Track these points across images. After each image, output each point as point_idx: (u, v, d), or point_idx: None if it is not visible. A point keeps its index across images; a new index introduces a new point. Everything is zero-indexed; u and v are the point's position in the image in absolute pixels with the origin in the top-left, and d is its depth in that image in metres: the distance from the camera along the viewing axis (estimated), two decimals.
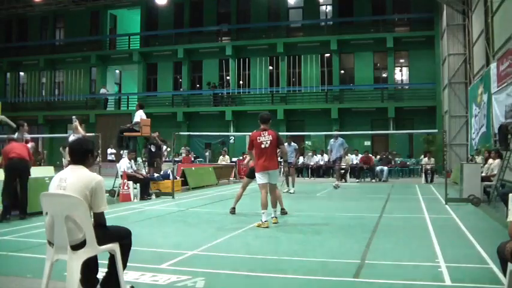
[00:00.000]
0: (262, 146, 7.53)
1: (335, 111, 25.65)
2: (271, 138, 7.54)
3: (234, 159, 22.12)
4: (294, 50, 27.24)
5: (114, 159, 22.53)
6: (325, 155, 21.83)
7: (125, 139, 13.12)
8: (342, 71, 27.43)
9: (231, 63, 28.03)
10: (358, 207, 10.51)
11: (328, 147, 16.40)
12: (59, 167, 15.71)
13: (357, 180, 19.35)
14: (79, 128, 10.84)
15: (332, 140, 15.79)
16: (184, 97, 29.29)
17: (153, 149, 14.51)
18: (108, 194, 11.31)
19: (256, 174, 7.66)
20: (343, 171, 18.81)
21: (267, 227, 7.29)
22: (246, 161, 9.62)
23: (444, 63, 22.87)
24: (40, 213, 7.63)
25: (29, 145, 9.92)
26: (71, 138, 9.18)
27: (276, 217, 7.78)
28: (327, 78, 26.59)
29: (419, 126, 23.23)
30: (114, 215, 8.57)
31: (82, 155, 3.69)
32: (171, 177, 13.15)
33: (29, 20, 32.32)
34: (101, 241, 3.52)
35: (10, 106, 29.85)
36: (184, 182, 15.07)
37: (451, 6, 20.98)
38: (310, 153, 22.45)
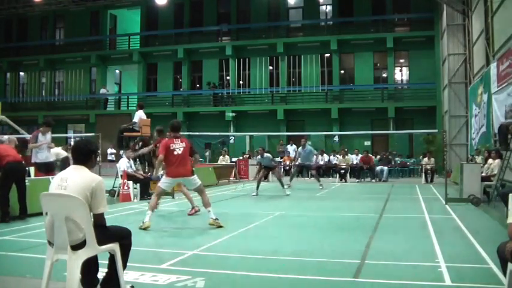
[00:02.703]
0: (175, 153, 7.51)
1: (335, 111, 25.65)
2: (184, 145, 7.62)
3: (234, 159, 22.11)
4: (294, 50, 27.23)
5: (114, 159, 22.54)
6: (325, 155, 21.84)
7: (125, 139, 13.12)
8: (342, 71, 27.42)
9: (231, 63, 28.03)
10: (358, 207, 10.51)
11: (295, 154, 16.54)
12: (58, 167, 15.67)
13: (357, 180, 19.34)
14: None
15: (300, 148, 15.83)
16: (184, 97, 29.29)
17: None
18: (108, 194, 11.31)
19: (165, 178, 7.62)
20: (343, 173, 18.79)
21: (148, 227, 7.08)
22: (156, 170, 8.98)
23: (444, 63, 22.87)
24: (40, 213, 7.65)
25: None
26: None
27: (212, 218, 7.36)
28: (327, 78, 26.59)
29: (419, 126, 23.23)
30: (114, 215, 8.57)
31: (85, 155, 3.69)
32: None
33: (29, 20, 32.30)
34: (101, 241, 3.52)
35: (10, 106, 29.86)
36: None
37: (451, 6, 20.98)
38: None
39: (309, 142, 16.96)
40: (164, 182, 7.58)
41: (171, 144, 7.56)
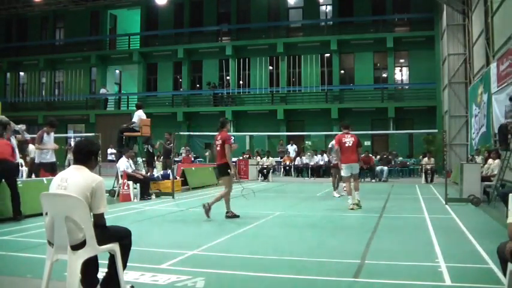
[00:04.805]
0: (346, 145, 9.47)
1: (335, 111, 25.64)
2: (353, 140, 9.48)
3: (234, 159, 22.07)
4: (294, 50, 27.24)
5: (114, 159, 22.51)
6: (325, 155, 21.81)
7: (125, 139, 13.11)
8: (342, 71, 27.42)
9: (231, 63, 28.03)
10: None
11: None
12: (59, 167, 15.66)
13: None
14: None
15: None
16: (184, 97, 29.29)
17: (150, 150, 14.50)
18: (108, 194, 11.31)
19: (342, 166, 9.62)
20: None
21: (355, 208, 9.38)
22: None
23: (444, 63, 22.87)
24: (34, 214, 7.63)
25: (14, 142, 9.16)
26: None
27: (357, 200, 9.54)
28: (327, 78, 26.60)
29: (419, 126, 23.22)
30: (114, 215, 8.57)
31: (85, 155, 3.69)
32: (171, 177, 13.15)
33: (29, 20, 32.30)
34: (100, 241, 3.52)
35: (10, 106, 29.86)
36: (184, 182, 15.07)
37: (451, 6, 20.97)
38: (309, 153, 22.43)
39: None
40: (343, 170, 9.51)
41: (343, 138, 9.52)
